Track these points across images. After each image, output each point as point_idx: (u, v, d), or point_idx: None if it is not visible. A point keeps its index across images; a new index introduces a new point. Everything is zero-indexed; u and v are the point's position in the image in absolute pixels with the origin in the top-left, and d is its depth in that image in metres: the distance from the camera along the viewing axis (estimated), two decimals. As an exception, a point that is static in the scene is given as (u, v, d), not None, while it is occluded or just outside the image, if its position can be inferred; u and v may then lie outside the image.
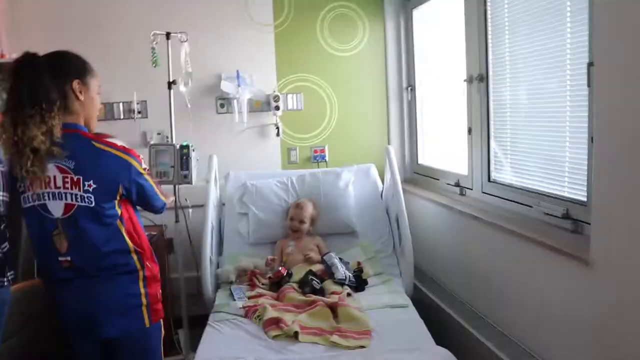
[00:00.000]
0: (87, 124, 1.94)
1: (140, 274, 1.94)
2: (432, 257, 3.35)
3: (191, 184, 3.05)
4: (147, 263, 1.97)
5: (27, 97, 1.78)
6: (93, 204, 1.83)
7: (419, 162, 3.78)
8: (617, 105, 1.78)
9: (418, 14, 3.66)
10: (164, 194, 2.11)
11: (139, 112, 3.57)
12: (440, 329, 2.90)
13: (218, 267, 3.06)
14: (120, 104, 3.58)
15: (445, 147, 3.42)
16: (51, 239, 1.85)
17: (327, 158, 3.82)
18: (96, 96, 1.98)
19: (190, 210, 3.16)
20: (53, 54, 1.91)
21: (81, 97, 1.90)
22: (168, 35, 3.09)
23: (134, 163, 1.90)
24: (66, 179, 1.82)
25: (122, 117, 3.59)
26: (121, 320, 1.93)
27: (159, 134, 3.56)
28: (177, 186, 3.10)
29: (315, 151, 3.81)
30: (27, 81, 1.80)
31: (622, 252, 1.78)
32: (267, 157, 3.78)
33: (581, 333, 2.01)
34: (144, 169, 1.95)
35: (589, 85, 1.97)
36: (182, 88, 3.15)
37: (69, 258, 1.86)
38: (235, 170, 3.51)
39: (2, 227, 1.88)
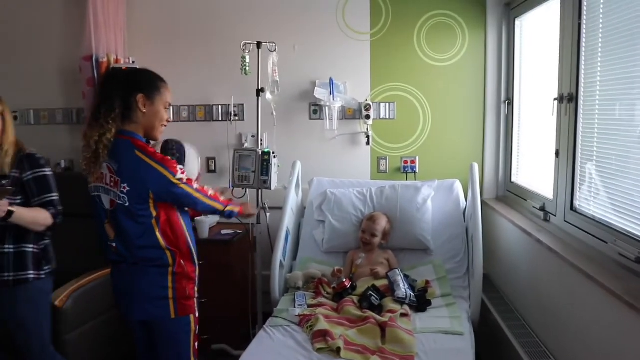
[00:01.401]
0: (148, 133, 2.19)
1: (170, 269, 2.16)
2: (509, 281, 3.22)
3: (270, 189, 3.17)
4: (181, 261, 2.18)
5: (97, 104, 2.11)
6: (127, 204, 2.09)
7: (512, 180, 3.59)
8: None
9: (519, 23, 3.47)
10: (214, 197, 2.26)
11: (236, 115, 3.77)
12: (500, 355, 2.80)
13: (291, 270, 3.16)
14: (220, 107, 3.80)
15: (536, 168, 3.23)
16: (104, 226, 2.18)
17: (417, 169, 3.76)
18: (161, 109, 2.20)
19: (268, 213, 3.28)
20: (131, 70, 2.23)
21: (144, 110, 2.14)
22: (259, 44, 3.22)
23: (166, 174, 2.07)
24: (112, 178, 2.09)
25: (220, 119, 3.80)
26: (149, 307, 2.18)
27: (253, 136, 3.73)
28: (259, 190, 3.24)
29: (405, 162, 3.77)
30: (102, 90, 2.15)
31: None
32: (356, 165, 3.80)
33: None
34: (180, 179, 2.10)
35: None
36: (268, 96, 3.27)
37: (114, 244, 2.17)
38: (322, 177, 3.58)
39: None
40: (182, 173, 2.13)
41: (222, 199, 2.33)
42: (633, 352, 1.88)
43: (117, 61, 3.56)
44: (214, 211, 2.31)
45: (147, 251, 2.13)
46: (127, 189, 2.07)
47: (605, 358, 2.07)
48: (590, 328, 2.20)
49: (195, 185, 2.18)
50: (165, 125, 2.25)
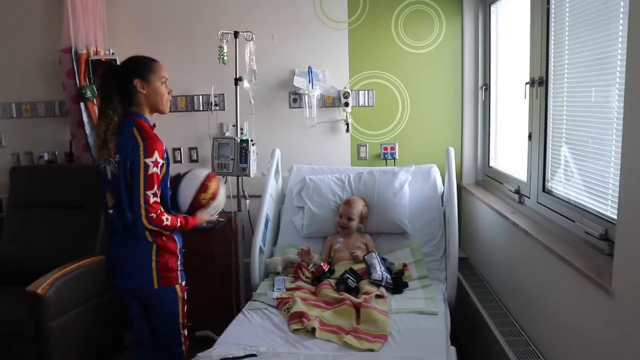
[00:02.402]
0: (155, 109, 2.43)
1: (153, 244, 2.35)
2: (487, 263, 3.28)
3: (249, 176, 3.21)
4: (163, 237, 2.37)
5: (100, 99, 2.39)
6: (118, 174, 2.31)
7: (490, 164, 3.65)
8: None
9: (494, 9, 3.51)
10: (157, 212, 2.30)
11: (216, 105, 3.80)
12: (477, 336, 2.86)
13: (272, 256, 3.20)
14: (201, 97, 3.82)
15: (511, 151, 3.28)
16: (105, 196, 2.42)
17: (396, 155, 3.81)
18: (159, 86, 2.40)
19: (248, 201, 3.32)
20: (123, 61, 2.43)
21: (143, 91, 2.36)
22: (236, 34, 3.25)
23: (141, 149, 2.25)
24: (113, 150, 2.33)
25: (201, 109, 3.83)
26: (135, 276, 2.39)
27: (234, 125, 3.76)
28: (238, 177, 3.27)
29: (385, 148, 3.81)
30: (102, 86, 2.39)
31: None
32: (337, 152, 3.84)
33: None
34: (146, 164, 2.23)
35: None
36: (246, 84, 3.30)
37: (110, 211, 2.38)
38: (302, 164, 3.62)
39: None
40: (155, 165, 2.25)
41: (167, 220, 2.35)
42: (597, 325, 1.93)
43: (96, 53, 3.58)
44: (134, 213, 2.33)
45: (134, 223, 2.31)
46: (118, 158, 2.30)
47: (573, 333, 2.13)
48: (559, 305, 2.26)
49: (153, 191, 2.27)
50: (170, 99, 2.47)
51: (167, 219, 2.31)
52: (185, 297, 2.51)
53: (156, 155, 2.25)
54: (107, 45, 3.69)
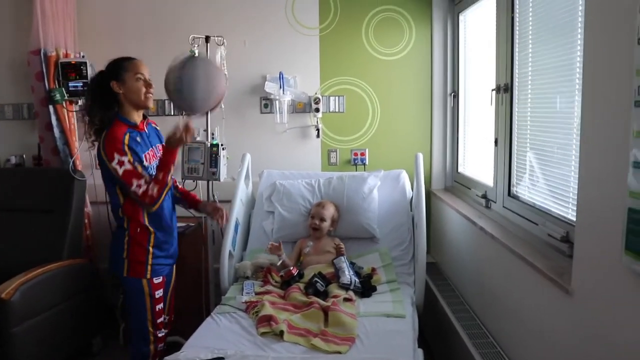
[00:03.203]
0: (137, 106, 2.52)
1: (127, 233, 2.51)
2: (455, 268, 3.33)
3: (219, 180, 3.21)
4: (137, 229, 2.51)
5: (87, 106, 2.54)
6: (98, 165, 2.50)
7: (459, 170, 3.70)
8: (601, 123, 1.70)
9: (463, 18, 3.58)
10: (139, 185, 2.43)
11: (188, 109, 3.78)
12: (445, 340, 2.89)
13: (242, 261, 3.19)
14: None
15: (479, 157, 3.34)
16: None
17: (366, 161, 3.84)
18: (134, 83, 2.48)
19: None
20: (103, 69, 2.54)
21: (120, 91, 2.47)
22: (207, 38, 3.26)
23: (103, 156, 2.40)
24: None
25: (172, 113, 3.81)
26: (114, 262, 2.57)
27: (205, 130, 3.75)
28: (208, 182, 3.27)
29: (355, 154, 3.84)
30: (88, 94, 2.59)
31: (601, 284, 1.69)
32: (307, 157, 3.86)
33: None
34: (119, 162, 2.38)
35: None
36: (217, 89, 3.30)
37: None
38: (272, 169, 3.63)
39: None
40: (121, 164, 2.38)
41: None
42: (558, 324, 1.98)
43: (66, 55, 3.55)
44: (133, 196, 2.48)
45: (115, 211, 2.55)
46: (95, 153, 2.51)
47: (536, 333, 2.17)
48: (523, 306, 2.31)
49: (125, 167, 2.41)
50: (150, 92, 2.53)
51: (155, 191, 2.42)
52: (157, 296, 2.57)
53: (116, 156, 2.37)
54: (77, 48, 3.66)
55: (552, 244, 2.21)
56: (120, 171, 2.38)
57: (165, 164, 2.46)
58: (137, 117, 2.55)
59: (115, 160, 2.37)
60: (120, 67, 2.48)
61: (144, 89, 2.50)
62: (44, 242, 3.25)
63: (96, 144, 2.47)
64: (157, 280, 2.58)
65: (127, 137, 2.43)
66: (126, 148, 2.40)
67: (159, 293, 2.59)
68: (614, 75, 1.60)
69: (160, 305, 2.62)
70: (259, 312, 2.54)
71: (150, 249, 2.55)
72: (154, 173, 2.50)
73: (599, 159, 1.71)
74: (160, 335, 2.64)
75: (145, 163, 2.49)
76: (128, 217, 2.51)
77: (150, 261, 2.55)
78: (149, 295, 2.55)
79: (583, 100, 1.81)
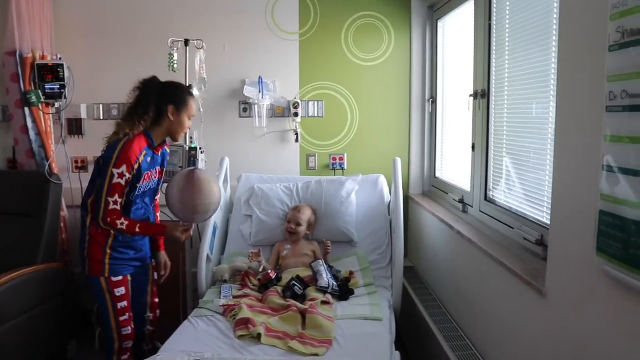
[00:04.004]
0: (171, 136, 2.64)
1: (87, 231, 2.55)
2: (432, 271, 3.36)
3: (197, 184, 3.19)
4: (95, 227, 2.52)
5: (134, 105, 2.54)
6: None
7: (437, 175, 3.74)
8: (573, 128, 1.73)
9: (441, 24, 3.63)
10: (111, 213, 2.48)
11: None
12: (422, 343, 2.91)
13: (219, 264, 3.18)
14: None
15: (456, 162, 3.38)
16: None
17: (345, 166, 3.86)
18: (185, 120, 2.62)
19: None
20: (168, 83, 2.63)
21: (172, 118, 2.57)
22: (186, 42, 3.25)
23: (113, 159, 2.43)
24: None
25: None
26: (80, 260, 2.61)
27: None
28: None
29: (334, 158, 3.86)
30: (140, 95, 2.55)
31: (574, 285, 1.73)
32: (286, 162, 3.87)
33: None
34: (119, 173, 2.43)
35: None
36: (195, 93, 3.29)
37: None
38: (251, 173, 3.63)
39: None
40: (120, 177, 2.43)
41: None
42: (532, 325, 2.01)
43: (43, 57, 3.50)
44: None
45: (84, 208, 2.58)
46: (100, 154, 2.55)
47: (511, 334, 2.21)
48: (499, 308, 2.34)
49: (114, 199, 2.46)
50: (186, 132, 2.72)
51: (121, 223, 2.47)
52: (118, 294, 2.59)
53: (122, 168, 2.42)
54: (54, 50, 3.62)
55: (527, 247, 2.24)
56: (114, 180, 2.43)
57: (149, 231, 2.65)
58: (159, 139, 2.62)
59: (119, 170, 2.43)
60: (184, 99, 2.59)
61: (187, 128, 2.65)
62: (19, 245, 3.20)
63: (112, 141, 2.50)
64: (116, 278, 2.59)
65: (142, 155, 2.50)
66: (136, 166, 2.47)
67: (119, 291, 2.60)
68: (587, 81, 1.63)
69: (123, 304, 2.62)
70: (236, 315, 2.54)
71: (108, 250, 2.57)
72: (145, 191, 2.61)
73: (572, 163, 1.74)
74: (125, 345, 2.67)
75: (140, 182, 2.54)
76: (91, 213, 2.54)
77: (107, 260, 2.57)
78: (107, 292, 2.58)
79: (557, 106, 1.85)
